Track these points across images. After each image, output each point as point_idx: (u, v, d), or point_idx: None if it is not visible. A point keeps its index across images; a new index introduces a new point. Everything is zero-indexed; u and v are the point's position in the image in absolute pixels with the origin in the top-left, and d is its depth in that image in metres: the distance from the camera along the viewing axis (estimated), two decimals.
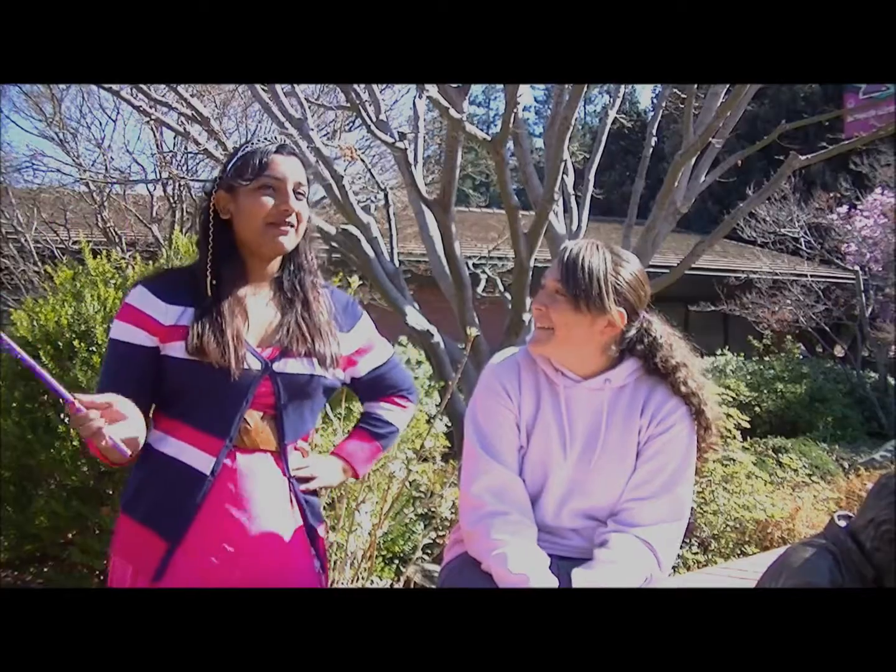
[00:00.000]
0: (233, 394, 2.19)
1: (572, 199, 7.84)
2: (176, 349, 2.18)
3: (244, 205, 2.22)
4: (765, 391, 13.06)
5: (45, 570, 5.02)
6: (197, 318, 2.18)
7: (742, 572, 5.00)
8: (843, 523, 2.29)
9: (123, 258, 5.77)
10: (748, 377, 13.52)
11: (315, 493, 2.40)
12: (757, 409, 12.41)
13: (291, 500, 2.30)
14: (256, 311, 2.28)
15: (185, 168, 11.56)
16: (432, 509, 5.01)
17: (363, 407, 2.61)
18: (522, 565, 2.16)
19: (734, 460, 6.67)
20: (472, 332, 4.50)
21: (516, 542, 2.22)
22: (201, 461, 2.20)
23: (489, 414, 2.38)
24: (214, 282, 2.23)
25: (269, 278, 2.34)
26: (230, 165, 2.26)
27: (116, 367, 2.24)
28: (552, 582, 2.16)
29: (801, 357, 14.90)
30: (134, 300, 2.23)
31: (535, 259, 6.25)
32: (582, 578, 2.18)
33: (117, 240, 10.93)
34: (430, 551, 4.93)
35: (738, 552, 6.19)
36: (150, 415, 2.27)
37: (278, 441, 2.27)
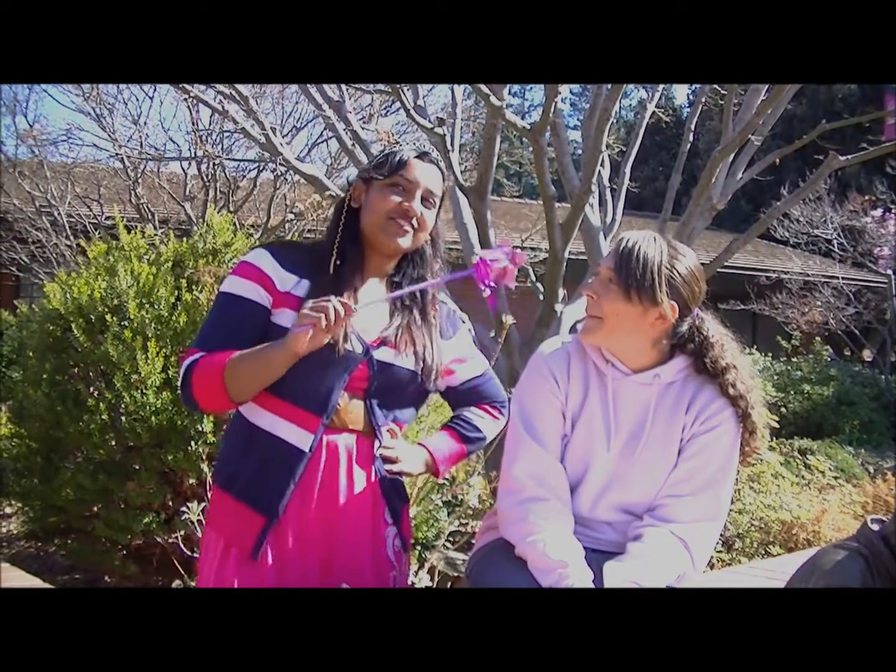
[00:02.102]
0: (332, 372, 2.20)
1: (607, 191, 7.82)
2: (284, 317, 2.20)
3: (373, 197, 2.30)
4: (791, 392, 12.97)
5: (69, 542, 5.04)
6: (312, 291, 2.20)
7: (769, 572, 4.95)
8: (876, 527, 2.28)
9: (156, 235, 5.79)
10: (775, 377, 13.43)
11: (399, 473, 2.40)
12: (783, 409, 12.33)
13: (377, 481, 2.32)
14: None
15: (219, 147, 11.60)
16: (458, 497, 5.00)
17: (454, 412, 2.62)
18: (561, 552, 2.15)
19: (761, 459, 6.61)
20: (508, 319, 4.49)
21: (554, 528, 2.21)
22: (300, 437, 2.21)
23: (535, 398, 2.37)
24: (339, 262, 2.28)
25: (385, 276, 2.39)
26: (373, 160, 2.35)
27: (226, 320, 2.24)
28: (588, 573, 2.14)
29: (829, 359, 14.80)
30: (254, 259, 2.27)
31: (569, 251, 6.23)
32: (614, 572, 2.16)
33: (150, 216, 10.99)
34: (452, 539, 4.92)
35: (763, 552, 6.14)
36: None
37: (366, 422, 2.28)
